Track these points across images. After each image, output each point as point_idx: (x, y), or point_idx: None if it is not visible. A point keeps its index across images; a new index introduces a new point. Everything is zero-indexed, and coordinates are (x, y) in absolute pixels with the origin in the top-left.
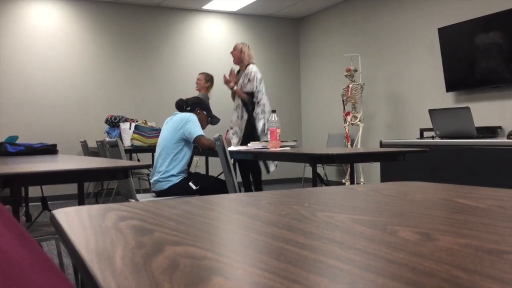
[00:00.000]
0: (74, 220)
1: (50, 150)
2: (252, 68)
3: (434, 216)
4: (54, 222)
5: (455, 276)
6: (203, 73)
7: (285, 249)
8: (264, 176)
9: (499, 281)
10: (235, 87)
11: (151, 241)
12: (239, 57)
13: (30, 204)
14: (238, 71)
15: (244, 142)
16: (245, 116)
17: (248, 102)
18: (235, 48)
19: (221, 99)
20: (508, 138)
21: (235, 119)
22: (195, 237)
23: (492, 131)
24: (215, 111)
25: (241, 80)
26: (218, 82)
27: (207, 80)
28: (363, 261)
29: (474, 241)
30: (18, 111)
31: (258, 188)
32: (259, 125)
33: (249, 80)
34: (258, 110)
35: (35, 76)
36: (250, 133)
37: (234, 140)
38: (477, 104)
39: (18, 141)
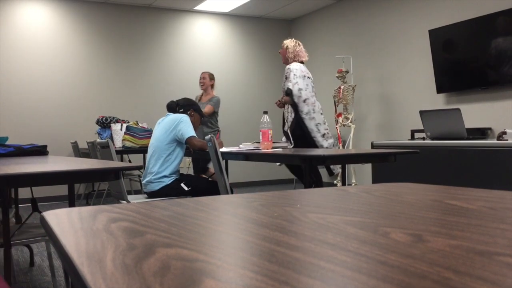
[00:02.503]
0: (65, 222)
1: (40, 151)
2: (291, 66)
3: (426, 218)
4: (44, 224)
5: (446, 278)
6: (205, 72)
7: (276, 251)
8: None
9: (489, 282)
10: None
11: (142, 243)
12: (284, 55)
13: (20, 205)
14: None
15: (296, 144)
16: (291, 116)
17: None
18: (282, 47)
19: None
20: (498, 139)
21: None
22: (187, 239)
23: (482, 132)
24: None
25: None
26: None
27: (211, 78)
28: (355, 263)
29: (465, 243)
30: (8, 112)
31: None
32: (311, 125)
33: (286, 78)
34: (305, 109)
35: (25, 77)
36: (298, 135)
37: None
38: (467, 106)
39: (8, 142)
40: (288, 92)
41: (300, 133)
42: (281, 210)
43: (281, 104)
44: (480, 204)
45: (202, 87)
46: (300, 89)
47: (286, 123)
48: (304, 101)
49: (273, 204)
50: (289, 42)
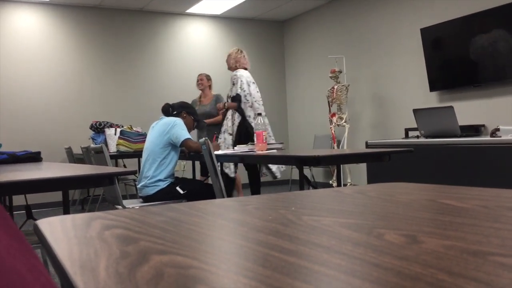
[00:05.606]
0: (58, 230)
1: (34, 157)
2: (237, 72)
3: (420, 218)
4: (38, 233)
5: (440, 279)
6: (202, 73)
7: (271, 255)
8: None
9: (483, 283)
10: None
11: (136, 251)
12: (227, 62)
13: (14, 212)
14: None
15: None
16: (237, 120)
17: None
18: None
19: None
20: (491, 136)
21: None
22: (181, 245)
23: (475, 130)
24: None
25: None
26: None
27: (208, 79)
28: (349, 266)
29: (459, 243)
30: (0, 119)
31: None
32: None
33: (233, 84)
34: (251, 114)
35: (17, 83)
36: (243, 137)
37: (223, 145)
38: (460, 103)
39: (1, 149)
40: (238, 98)
41: (245, 135)
42: (275, 213)
43: (223, 110)
44: (473, 203)
45: (200, 88)
46: (246, 95)
47: (228, 126)
48: (250, 106)
49: (268, 207)
50: (232, 50)
